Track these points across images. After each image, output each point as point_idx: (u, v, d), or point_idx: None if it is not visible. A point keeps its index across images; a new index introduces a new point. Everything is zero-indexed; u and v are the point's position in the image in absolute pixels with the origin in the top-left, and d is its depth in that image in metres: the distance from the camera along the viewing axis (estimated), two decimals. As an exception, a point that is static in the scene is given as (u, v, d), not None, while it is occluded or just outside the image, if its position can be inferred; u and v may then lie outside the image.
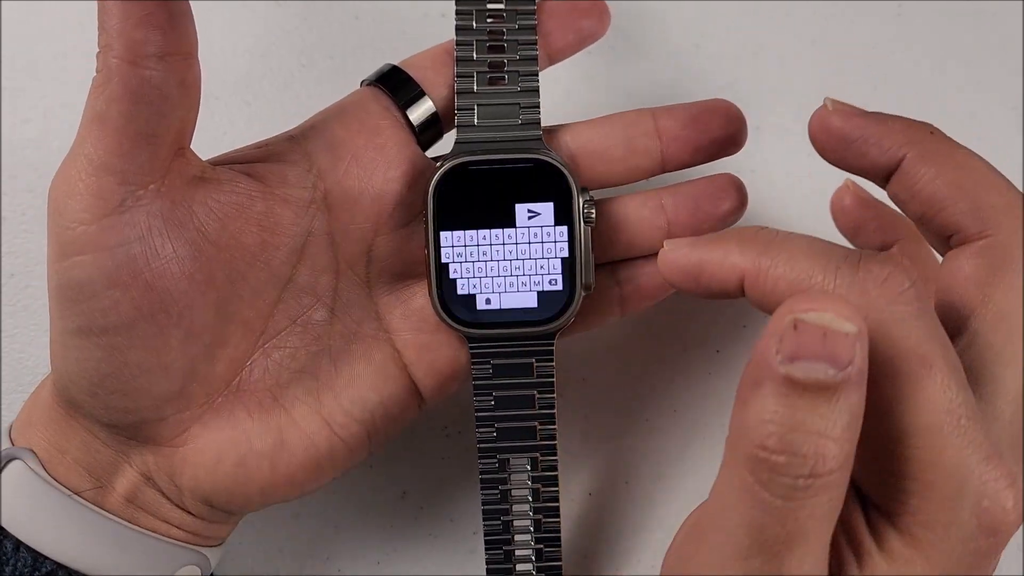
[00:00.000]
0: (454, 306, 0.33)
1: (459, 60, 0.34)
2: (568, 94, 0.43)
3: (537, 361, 0.34)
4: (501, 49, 0.34)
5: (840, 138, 0.29)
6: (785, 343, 0.22)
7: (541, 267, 0.33)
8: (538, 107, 0.34)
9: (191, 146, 0.31)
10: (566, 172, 0.33)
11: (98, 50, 0.28)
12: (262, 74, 0.43)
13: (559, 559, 0.35)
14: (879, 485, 0.25)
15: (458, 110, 0.34)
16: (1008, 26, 0.44)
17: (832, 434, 0.22)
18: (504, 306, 0.33)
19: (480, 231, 0.33)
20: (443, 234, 0.33)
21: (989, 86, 0.44)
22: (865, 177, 0.30)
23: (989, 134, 0.43)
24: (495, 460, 0.34)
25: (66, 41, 0.43)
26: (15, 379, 0.41)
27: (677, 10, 0.44)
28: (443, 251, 0.33)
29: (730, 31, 0.44)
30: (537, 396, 0.34)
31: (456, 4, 0.34)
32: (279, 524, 0.41)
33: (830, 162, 0.30)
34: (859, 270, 0.25)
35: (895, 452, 0.24)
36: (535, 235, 0.33)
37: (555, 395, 0.34)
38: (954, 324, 0.27)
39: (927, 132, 0.29)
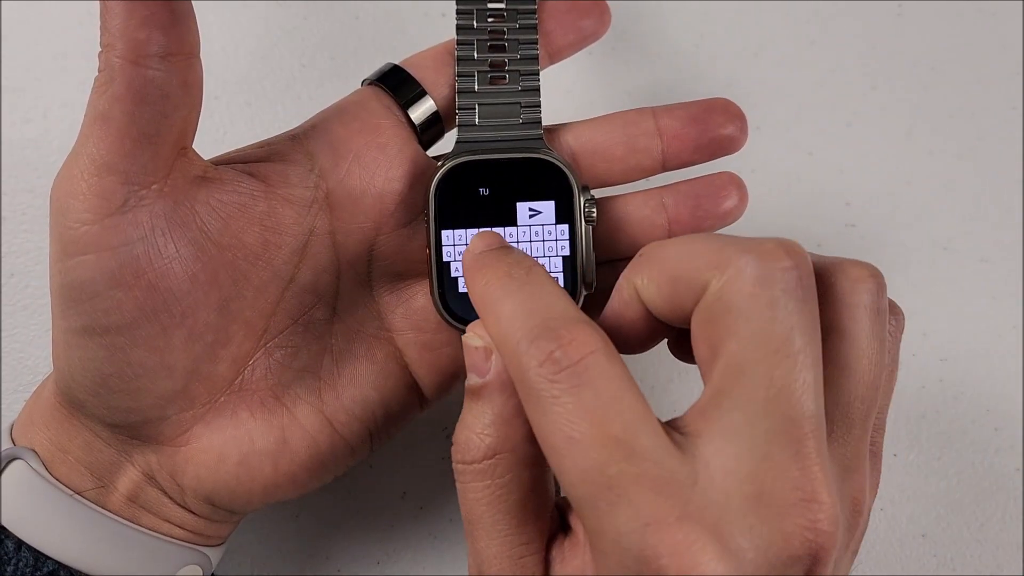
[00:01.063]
0: (455, 305, 0.33)
1: (460, 59, 0.34)
2: (569, 93, 0.43)
3: (538, 360, 0.34)
4: (502, 48, 0.34)
5: None
6: (466, 359, 0.28)
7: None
8: (539, 106, 0.34)
9: (193, 146, 0.31)
10: (567, 171, 0.33)
11: (100, 49, 0.28)
12: (263, 74, 0.43)
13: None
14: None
15: (459, 109, 0.34)
16: (1008, 26, 0.44)
17: (475, 428, 0.27)
18: (506, 305, 0.33)
19: (482, 230, 0.33)
20: (444, 233, 0.33)
21: (989, 86, 0.44)
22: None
23: (989, 134, 0.44)
24: (496, 459, 0.34)
25: (66, 41, 0.43)
26: (15, 379, 0.41)
27: (677, 10, 0.44)
28: (444, 250, 0.33)
29: (730, 31, 0.44)
30: None
31: (457, 3, 0.34)
32: (279, 524, 0.41)
33: None
34: (532, 345, 0.25)
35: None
36: (536, 234, 0.33)
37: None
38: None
39: (637, 256, 0.29)
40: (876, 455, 0.29)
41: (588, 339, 0.25)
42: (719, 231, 0.36)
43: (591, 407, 0.24)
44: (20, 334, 0.42)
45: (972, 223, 0.43)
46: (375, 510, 0.41)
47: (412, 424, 0.36)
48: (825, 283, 0.27)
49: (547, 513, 0.28)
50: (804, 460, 0.24)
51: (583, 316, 0.26)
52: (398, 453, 0.41)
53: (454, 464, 0.28)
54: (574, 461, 0.24)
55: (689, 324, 0.27)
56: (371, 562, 0.41)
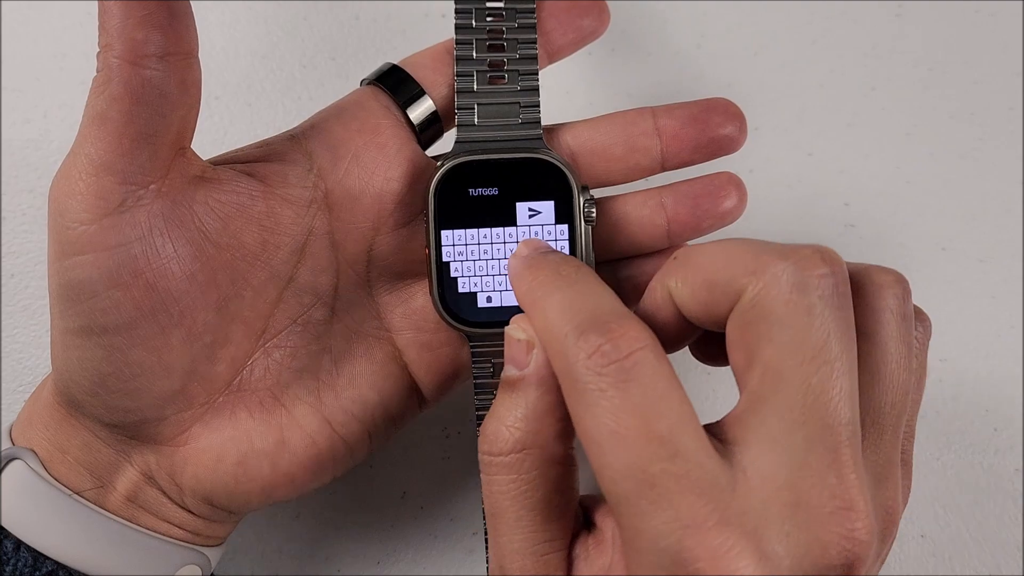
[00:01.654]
0: (455, 305, 0.33)
1: (459, 59, 0.34)
2: (568, 93, 0.43)
3: (538, 360, 0.34)
4: (501, 48, 0.34)
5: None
6: (506, 351, 0.28)
7: (542, 266, 0.33)
8: (538, 106, 0.34)
9: (192, 146, 0.31)
10: (566, 171, 0.33)
11: (98, 50, 0.28)
12: (263, 75, 0.43)
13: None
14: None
15: (458, 109, 0.34)
16: (1008, 26, 0.44)
17: (506, 421, 0.27)
18: (505, 304, 0.33)
19: (481, 230, 0.33)
20: (444, 233, 0.33)
21: (989, 86, 0.44)
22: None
23: (989, 134, 0.44)
24: (495, 459, 0.34)
25: (66, 41, 0.43)
26: (15, 379, 0.41)
27: (677, 10, 0.44)
28: (444, 250, 0.33)
29: (730, 31, 0.44)
30: None
31: (456, 3, 0.34)
32: (279, 524, 0.41)
33: None
34: (581, 338, 0.25)
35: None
36: (536, 234, 0.33)
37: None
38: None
39: (672, 259, 0.29)
40: (907, 464, 0.29)
41: (638, 335, 0.25)
42: (724, 230, 0.36)
43: (638, 403, 0.24)
44: (20, 334, 0.42)
45: (972, 223, 0.43)
46: (375, 510, 0.41)
47: (412, 424, 0.36)
48: (851, 288, 0.26)
49: (572, 511, 0.28)
50: (841, 468, 0.24)
51: (632, 313, 0.26)
52: (398, 453, 0.41)
53: (480, 455, 0.28)
54: (617, 456, 0.24)
55: (721, 328, 0.27)
56: (371, 562, 0.41)
